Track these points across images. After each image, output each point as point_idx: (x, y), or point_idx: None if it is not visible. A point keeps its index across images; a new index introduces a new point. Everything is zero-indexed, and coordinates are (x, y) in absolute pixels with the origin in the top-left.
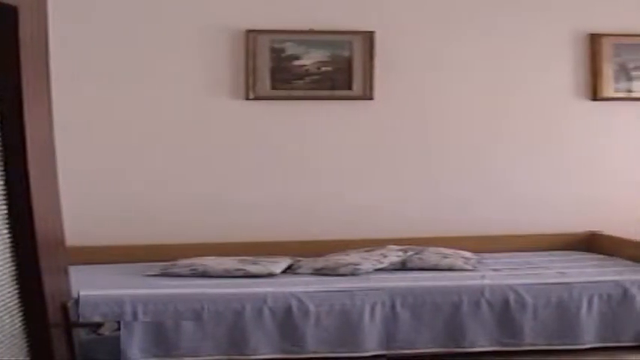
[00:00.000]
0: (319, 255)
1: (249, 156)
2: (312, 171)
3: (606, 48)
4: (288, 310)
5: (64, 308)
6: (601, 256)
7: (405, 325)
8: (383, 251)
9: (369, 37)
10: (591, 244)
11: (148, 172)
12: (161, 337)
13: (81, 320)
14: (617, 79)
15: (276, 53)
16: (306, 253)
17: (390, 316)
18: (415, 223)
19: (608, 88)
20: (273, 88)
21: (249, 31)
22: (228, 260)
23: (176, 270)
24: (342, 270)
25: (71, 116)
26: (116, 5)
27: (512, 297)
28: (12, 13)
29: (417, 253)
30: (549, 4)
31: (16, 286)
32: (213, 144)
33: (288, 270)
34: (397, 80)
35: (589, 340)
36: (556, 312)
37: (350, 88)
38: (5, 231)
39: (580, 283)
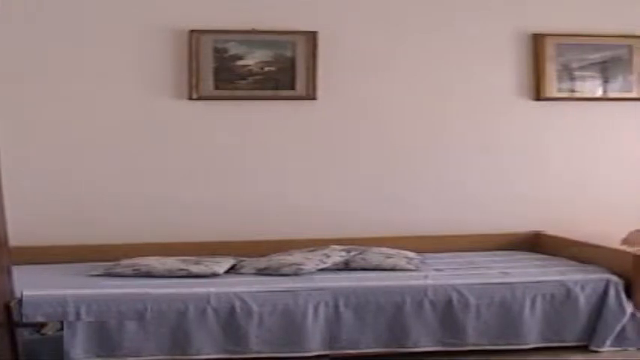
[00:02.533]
0: (262, 255)
1: (193, 156)
2: (256, 171)
3: (549, 48)
4: (232, 311)
5: (8, 308)
6: (544, 256)
7: (348, 325)
8: (326, 251)
9: (312, 37)
10: (535, 244)
11: (91, 172)
12: (104, 337)
13: (24, 320)
14: (560, 79)
15: (220, 53)
16: (250, 253)
17: (333, 316)
18: (358, 223)
19: (551, 88)
20: (217, 88)
21: (192, 31)
22: (171, 260)
23: (119, 270)
24: (285, 270)
25: (14, 116)
26: (58, 5)
27: (455, 297)
28: None
29: (360, 253)
30: (492, 4)
31: None
32: (157, 144)
33: (232, 270)
34: (340, 80)
35: (532, 340)
36: (499, 312)
37: (293, 88)
38: None
39: (523, 283)
